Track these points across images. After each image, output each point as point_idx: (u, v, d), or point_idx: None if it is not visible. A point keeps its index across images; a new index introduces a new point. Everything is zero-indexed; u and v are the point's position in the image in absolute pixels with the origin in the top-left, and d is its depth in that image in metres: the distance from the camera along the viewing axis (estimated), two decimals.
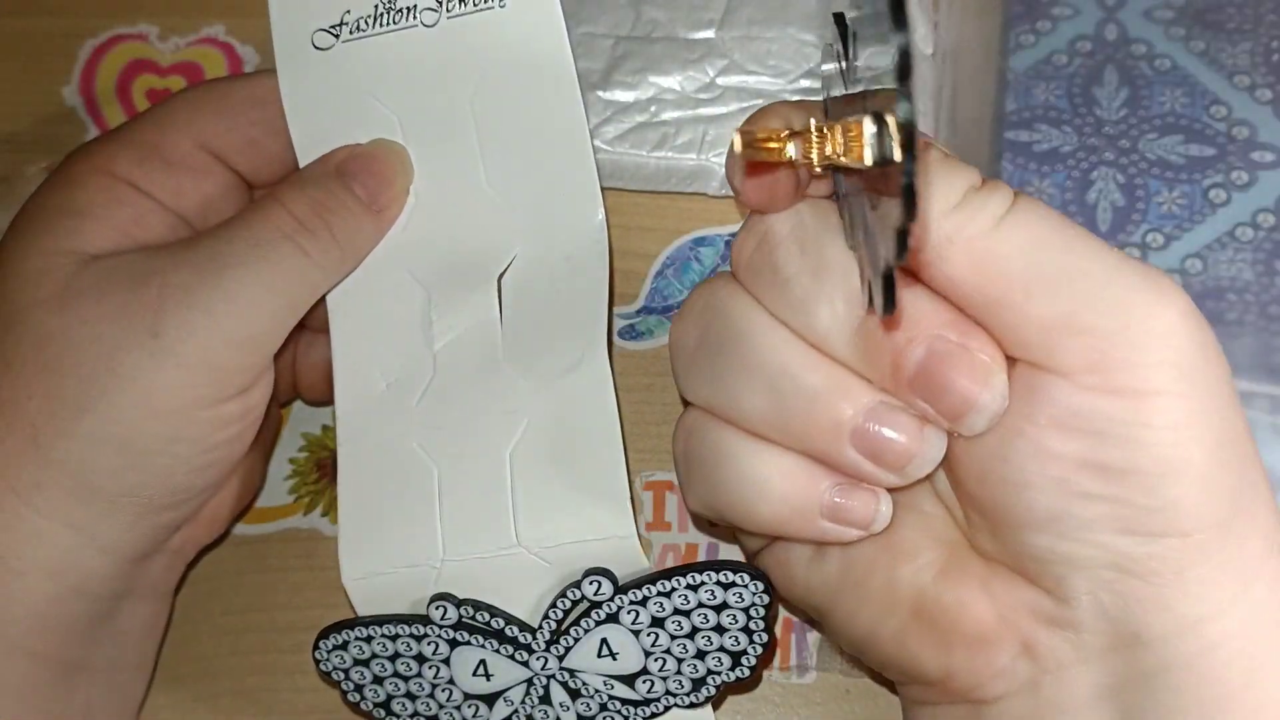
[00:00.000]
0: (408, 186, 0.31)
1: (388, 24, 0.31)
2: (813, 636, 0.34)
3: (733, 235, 0.37)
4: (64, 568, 0.28)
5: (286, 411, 0.36)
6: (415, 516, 0.30)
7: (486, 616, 0.29)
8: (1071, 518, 0.25)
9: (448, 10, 0.30)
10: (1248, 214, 0.37)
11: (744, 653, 0.29)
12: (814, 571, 0.28)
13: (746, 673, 0.30)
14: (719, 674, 0.30)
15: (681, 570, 0.28)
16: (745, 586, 0.28)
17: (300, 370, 0.34)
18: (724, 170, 0.37)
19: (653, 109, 0.37)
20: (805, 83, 0.37)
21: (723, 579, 0.28)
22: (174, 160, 0.30)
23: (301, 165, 0.31)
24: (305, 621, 0.34)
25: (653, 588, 0.29)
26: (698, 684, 0.30)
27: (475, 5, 0.30)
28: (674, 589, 0.29)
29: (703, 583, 0.28)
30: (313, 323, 0.31)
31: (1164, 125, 0.38)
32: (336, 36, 0.31)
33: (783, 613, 0.35)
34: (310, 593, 0.35)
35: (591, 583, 0.29)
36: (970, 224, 0.24)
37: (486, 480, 0.30)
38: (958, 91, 0.38)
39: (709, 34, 0.38)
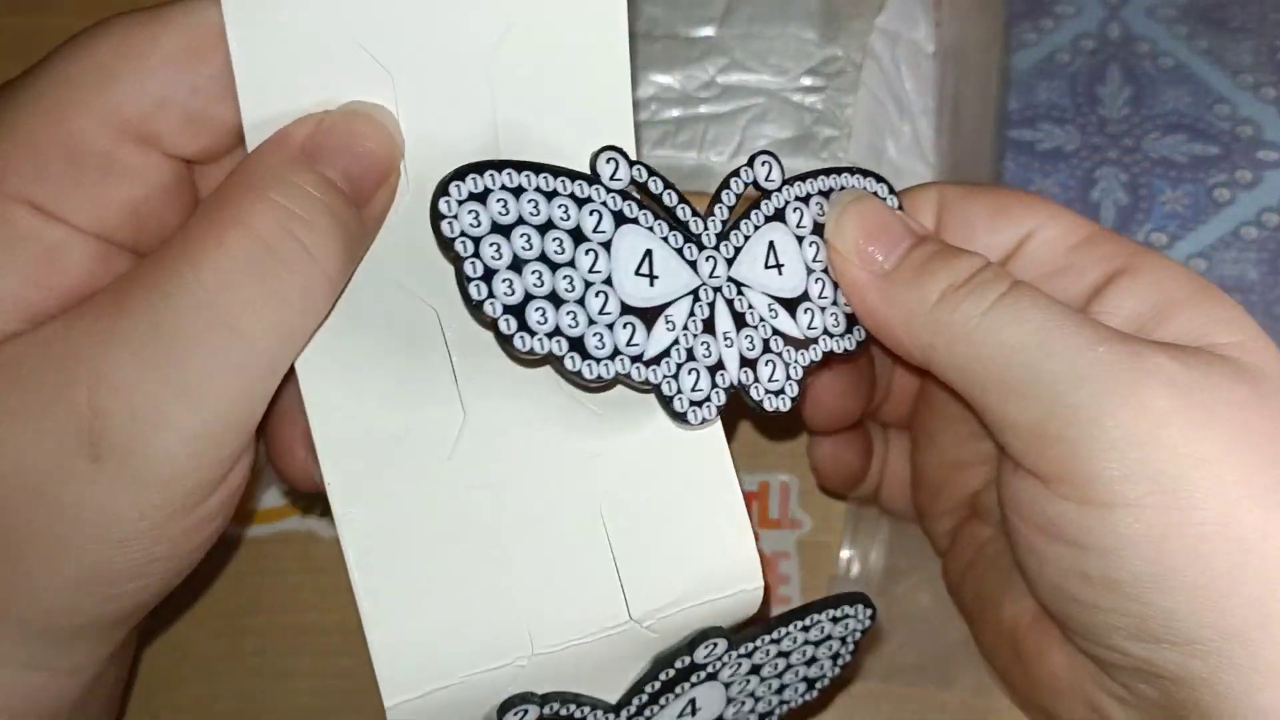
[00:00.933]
0: (397, 164, 0.23)
1: None
2: None
3: None
4: (33, 704, 0.24)
5: None
6: (487, 605, 0.23)
7: (573, 709, 0.24)
8: (1078, 622, 0.24)
9: None
10: (1252, 213, 0.36)
11: (822, 677, 0.27)
12: (961, 587, 0.30)
13: (815, 695, 0.28)
14: (789, 702, 0.27)
15: (800, 613, 0.25)
16: (854, 616, 0.26)
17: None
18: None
19: (653, 107, 0.37)
20: (807, 80, 0.37)
21: (836, 614, 0.26)
22: (89, 161, 0.22)
23: (249, 137, 0.22)
24: (303, 624, 0.34)
25: (766, 638, 0.25)
26: (764, 717, 0.27)
27: None
28: (787, 633, 0.26)
29: (817, 621, 0.26)
30: None
31: (1168, 124, 0.37)
32: None
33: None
34: (307, 595, 0.34)
35: (706, 646, 0.25)
36: (948, 328, 0.24)
37: (578, 545, 0.24)
38: (960, 90, 0.37)
39: (709, 32, 0.38)
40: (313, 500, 0.35)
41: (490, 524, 0.23)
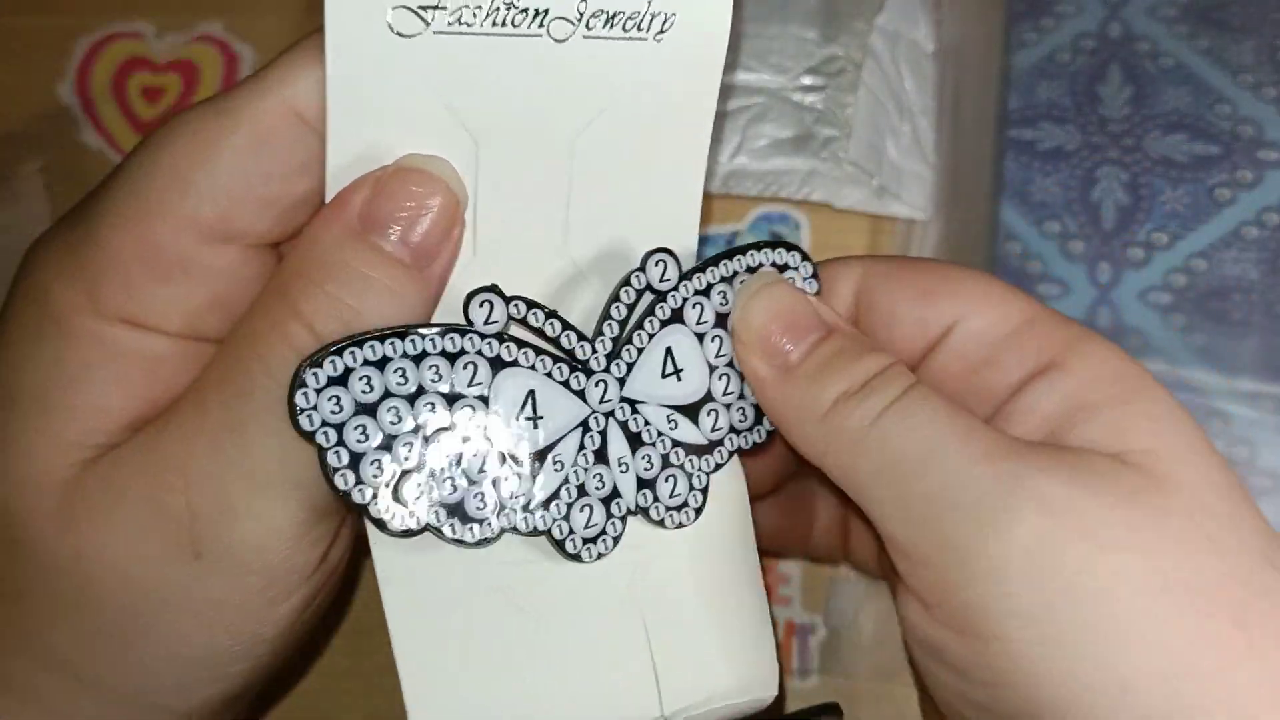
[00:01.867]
0: (459, 215, 0.23)
1: (504, 23, 0.23)
2: (815, 640, 0.34)
3: (734, 234, 0.37)
4: None
5: None
6: (523, 687, 0.24)
7: None
8: None
9: (587, 27, 0.24)
10: (1253, 213, 0.36)
11: None
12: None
13: None
14: None
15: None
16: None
17: None
18: (726, 177, 0.37)
19: None
20: (807, 80, 0.37)
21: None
22: (174, 269, 0.22)
23: (329, 186, 0.23)
24: None
25: None
26: None
27: (624, 30, 0.24)
28: None
29: None
30: None
31: (1168, 123, 0.37)
32: (427, 22, 0.23)
33: (785, 616, 0.35)
34: None
35: None
36: (838, 436, 0.23)
37: (615, 635, 0.24)
38: (960, 89, 0.37)
39: None
40: None
41: (532, 605, 0.24)
